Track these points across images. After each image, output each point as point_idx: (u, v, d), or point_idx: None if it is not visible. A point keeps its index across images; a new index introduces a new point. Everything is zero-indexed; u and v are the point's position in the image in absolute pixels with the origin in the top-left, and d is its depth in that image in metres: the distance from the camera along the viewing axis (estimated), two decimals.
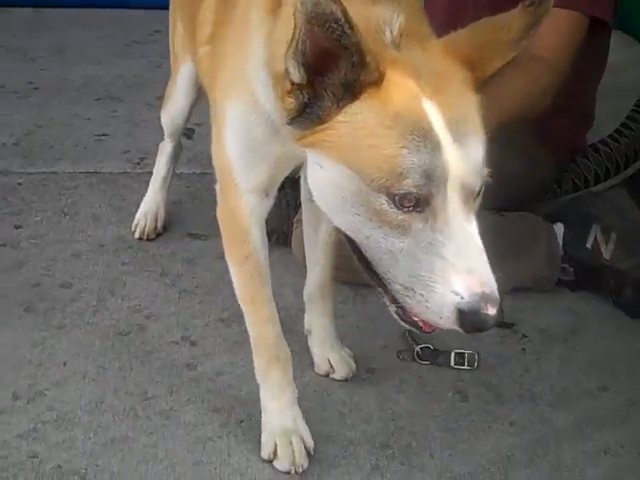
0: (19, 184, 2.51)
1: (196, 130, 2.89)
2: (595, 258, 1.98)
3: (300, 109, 1.10)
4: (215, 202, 2.36)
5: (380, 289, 1.17)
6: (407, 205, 1.05)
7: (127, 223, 2.30)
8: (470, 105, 1.10)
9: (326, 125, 1.09)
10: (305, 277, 1.81)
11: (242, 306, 1.59)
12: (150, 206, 2.31)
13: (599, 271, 1.98)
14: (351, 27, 1.01)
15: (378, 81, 1.06)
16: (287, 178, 2.09)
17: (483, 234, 2.02)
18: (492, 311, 1.04)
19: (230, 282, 2.06)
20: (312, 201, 1.47)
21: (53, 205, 2.42)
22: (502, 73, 1.45)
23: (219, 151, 1.46)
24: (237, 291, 1.58)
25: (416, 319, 1.14)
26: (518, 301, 2.02)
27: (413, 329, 1.17)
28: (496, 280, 1.06)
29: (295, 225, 2.07)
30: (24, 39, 3.77)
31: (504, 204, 2.16)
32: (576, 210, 2.08)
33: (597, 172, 2.43)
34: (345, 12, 1.00)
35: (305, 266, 1.81)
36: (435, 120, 1.04)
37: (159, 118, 2.29)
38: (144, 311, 1.98)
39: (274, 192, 1.50)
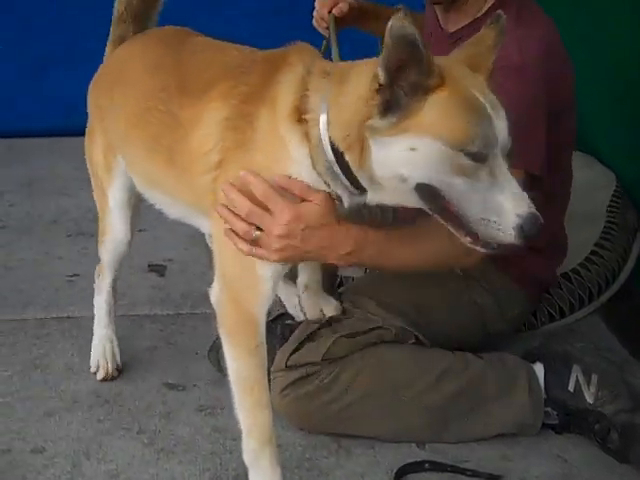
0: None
1: (167, 266, 2.90)
2: (578, 402, 1.96)
3: (384, 104, 1.47)
4: (191, 348, 2.39)
5: (456, 229, 1.53)
6: (477, 159, 1.45)
7: None
8: (492, 94, 1.52)
9: (413, 113, 1.47)
10: None
11: (239, 394, 1.75)
12: (104, 346, 2.30)
13: (583, 415, 1.95)
14: (424, 46, 1.42)
15: (441, 82, 1.46)
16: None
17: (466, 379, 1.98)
18: (540, 221, 1.44)
19: (210, 436, 2.05)
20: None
21: (23, 357, 2.36)
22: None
23: (247, 266, 1.70)
24: (237, 381, 1.75)
25: (482, 242, 1.51)
26: (504, 448, 1.99)
27: (483, 250, 1.53)
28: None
29: (272, 377, 2.02)
30: None
31: (480, 340, 2.17)
32: (554, 349, 2.07)
33: (571, 302, 2.46)
34: (420, 35, 1.41)
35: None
36: (485, 104, 1.47)
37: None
38: (121, 476, 1.91)
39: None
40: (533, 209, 1.45)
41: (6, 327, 2.50)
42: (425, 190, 1.51)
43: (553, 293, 2.43)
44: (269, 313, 2.25)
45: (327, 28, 2.40)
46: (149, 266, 2.86)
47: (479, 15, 2.08)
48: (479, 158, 1.45)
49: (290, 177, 1.62)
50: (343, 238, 1.71)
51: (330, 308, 2.06)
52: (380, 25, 2.46)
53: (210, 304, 2.57)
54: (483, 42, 1.60)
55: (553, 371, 2.01)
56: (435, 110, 1.47)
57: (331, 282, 2.47)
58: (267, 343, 2.10)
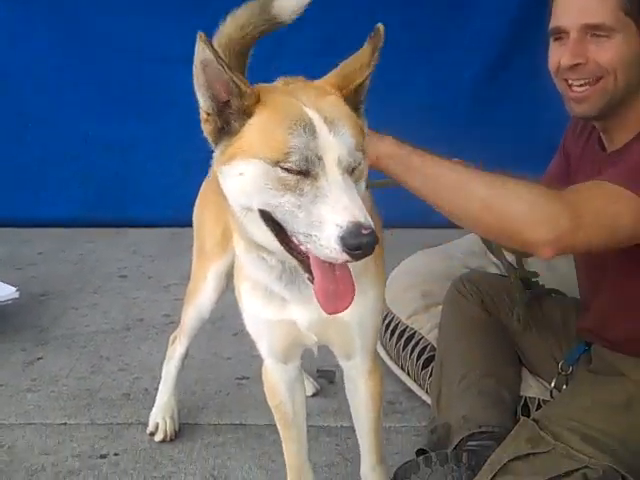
0: (168, 440, 2.48)
1: (337, 373, 2.85)
2: None
3: (216, 132, 1.53)
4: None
5: (297, 262, 1.52)
6: (296, 172, 1.42)
7: None
8: (341, 112, 1.51)
9: (237, 137, 1.50)
10: None
11: None
12: (165, 411, 2.51)
13: None
14: (222, 66, 1.46)
15: (257, 102, 1.48)
16: (452, 452, 2.02)
17: None
18: (366, 231, 1.36)
19: None
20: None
21: (202, 466, 2.36)
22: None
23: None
24: None
25: (323, 288, 1.49)
26: None
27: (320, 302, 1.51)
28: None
29: None
30: (159, 266, 3.91)
31: None
32: None
33: None
34: (217, 55, 1.45)
35: None
36: (313, 117, 1.45)
37: None
38: None
39: (294, 360, 1.93)
40: (360, 217, 1.37)
41: (182, 431, 2.52)
42: (267, 217, 1.50)
43: None
44: (447, 437, 2.18)
45: None
46: (318, 371, 2.83)
47: None
48: (299, 171, 1.42)
49: None
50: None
51: None
52: None
53: (390, 417, 2.53)
54: (359, 60, 1.59)
55: None
56: (254, 130, 1.48)
57: (514, 404, 2.38)
58: (454, 472, 2.05)
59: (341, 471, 2.33)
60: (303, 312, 1.76)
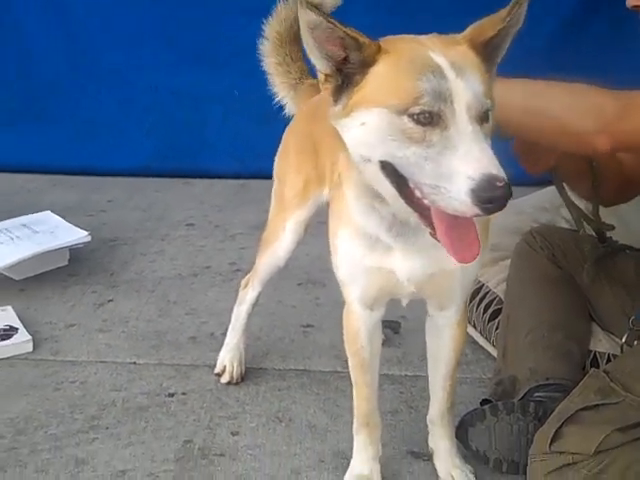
0: (234, 382, 2.52)
1: (402, 324, 2.86)
2: None
3: (337, 90, 1.49)
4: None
5: (424, 221, 1.48)
6: (424, 121, 1.37)
7: (345, 434, 2.21)
8: (470, 60, 1.45)
9: (358, 88, 1.45)
10: None
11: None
12: (233, 354, 2.54)
13: None
14: (333, 23, 1.42)
15: (380, 50, 1.44)
16: (519, 402, 2.01)
17: None
18: (500, 184, 1.30)
19: None
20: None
21: (267, 408, 2.40)
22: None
23: (335, 267, 1.86)
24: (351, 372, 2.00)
25: (449, 240, 1.45)
26: None
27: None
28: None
29: (531, 459, 1.92)
30: (225, 216, 3.95)
31: None
32: None
33: None
34: (324, 15, 1.42)
35: None
36: (442, 63, 1.39)
37: None
38: None
39: (380, 308, 1.91)
40: (493, 169, 1.31)
41: (248, 375, 2.56)
42: (389, 170, 1.46)
43: None
44: (513, 389, 2.17)
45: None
46: (383, 322, 2.80)
47: None
48: (427, 120, 1.37)
49: None
50: None
51: (461, 478, 2.03)
52: None
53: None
54: (496, 16, 1.53)
55: None
56: (378, 78, 1.44)
57: (583, 358, 2.35)
58: (520, 421, 2.04)
59: (405, 418, 2.34)
60: (407, 264, 1.72)
